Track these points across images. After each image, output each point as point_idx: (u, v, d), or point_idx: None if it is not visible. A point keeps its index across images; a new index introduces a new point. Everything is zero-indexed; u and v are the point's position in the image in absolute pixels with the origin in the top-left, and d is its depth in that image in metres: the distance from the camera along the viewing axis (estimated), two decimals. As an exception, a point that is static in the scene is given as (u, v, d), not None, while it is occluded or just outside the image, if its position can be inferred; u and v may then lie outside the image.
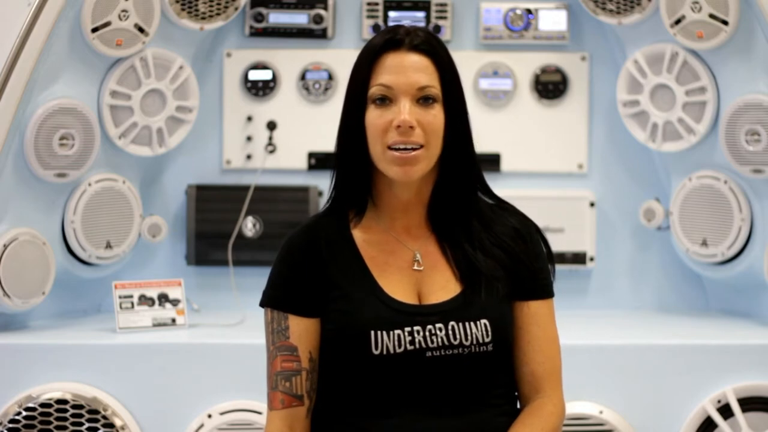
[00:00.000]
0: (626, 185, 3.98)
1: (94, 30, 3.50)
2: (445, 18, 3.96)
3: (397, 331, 2.09)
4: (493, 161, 3.94)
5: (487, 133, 3.89)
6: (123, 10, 3.53)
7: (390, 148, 2.10)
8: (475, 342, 2.10)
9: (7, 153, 3.39)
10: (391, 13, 3.96)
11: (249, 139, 3.97)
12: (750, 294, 3.74)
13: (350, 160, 2.16)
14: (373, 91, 2.12)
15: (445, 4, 3.96)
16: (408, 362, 2.09)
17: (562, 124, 3.98)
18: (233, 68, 3.97)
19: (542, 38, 3.97)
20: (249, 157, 3.97)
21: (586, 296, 3.99)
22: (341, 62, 3.95)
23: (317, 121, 3.95)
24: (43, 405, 3.26)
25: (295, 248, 2.18)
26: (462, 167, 2.17)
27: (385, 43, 2.14)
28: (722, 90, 3.64)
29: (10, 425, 3.25)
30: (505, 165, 3.97)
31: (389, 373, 2.09)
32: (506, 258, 2.18)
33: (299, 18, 3.97)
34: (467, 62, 3.93)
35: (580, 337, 3.38)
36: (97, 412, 3.27)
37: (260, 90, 3.97)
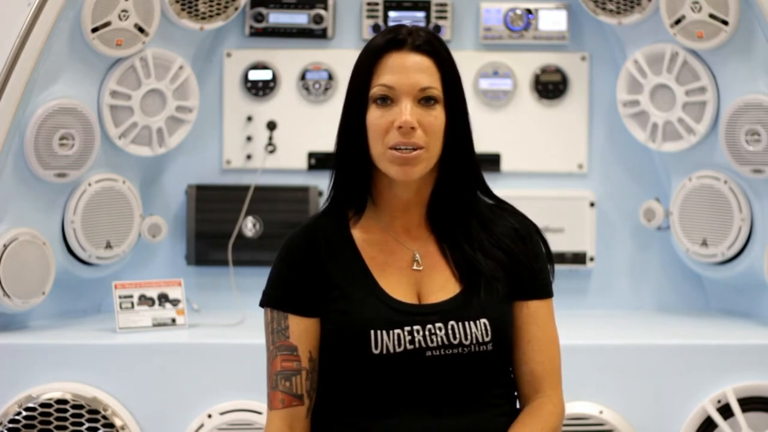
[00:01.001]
0: (626, 185, 3.98)
1: (94, 30, 3.50)
2: (445, 18, 3.96)
3: (396, 331, 2.09)
4: (493, 161, 3.94)
5: (487, 133, 3.88)
6: (123, 10, 3.53)
7: (391, 148, 2.10)
8: (474, 341, 2.10)
9: (7, 153, 3.39)
10: (391, 13, 3.96)
11: (249, 139, 3.97)
12: (750, 294, 3.74)
13: (350, 159, 2.16)
14: (375, 91, 2.12)
15: (445, 4, 3.96)
16: (408, 362, 2.09)
17: (562, 124, 3.98)
18: (233, 68, 3.97)
19: (542, 38, 3.97)
20: (249, 157, 3.97)
21: (586, 296, 3.99)
22: (341, 62, 3.95)
23: (317, 121, 3.95)
24: (43, 405, 3.26)
25: (294, 248, 2.18)
26: (462, 168, 2.17)
27: (387, 42, 2.13)
28: (722, 90, 3.64)
29: (10, 425, 3.25)
30: (505, 165, 3.97)
31: (389, 373, 2.09)
32: (506, 258, 2.17)
33: (299, 18, 3.96)
34: (467, 62, 3.92)
35: (580, 337, 3.38)
36: (97, 412, 3.27)
37: (260, 90, 3.97)
